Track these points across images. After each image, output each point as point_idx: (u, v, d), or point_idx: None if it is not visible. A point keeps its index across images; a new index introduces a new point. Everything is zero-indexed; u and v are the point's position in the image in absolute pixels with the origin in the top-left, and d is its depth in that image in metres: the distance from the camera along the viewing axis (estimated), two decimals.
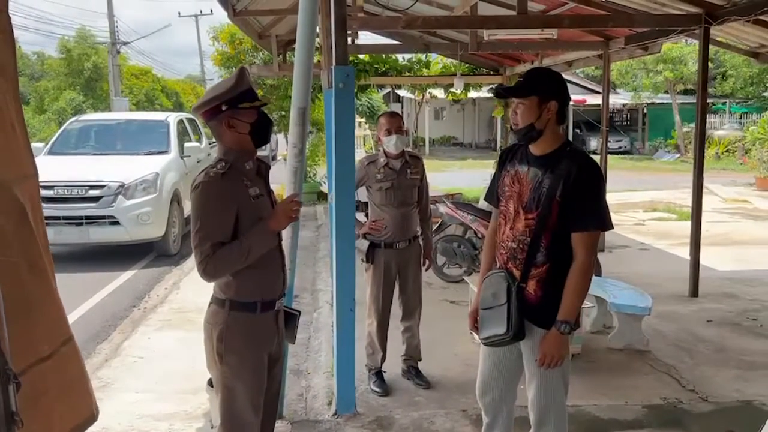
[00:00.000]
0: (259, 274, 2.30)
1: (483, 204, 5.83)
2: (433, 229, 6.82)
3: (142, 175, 7.70)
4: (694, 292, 5.87)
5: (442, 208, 6.71)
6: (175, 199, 8.11)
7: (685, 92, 23.73)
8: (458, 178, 15.25)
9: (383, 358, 3.96)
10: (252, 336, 2.26)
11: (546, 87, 2.38)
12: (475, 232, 6.38)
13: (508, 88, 2.52)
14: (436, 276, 6.43)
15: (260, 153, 2.45)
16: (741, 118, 24.88)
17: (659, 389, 3.89)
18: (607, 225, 2.39)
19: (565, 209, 2.31)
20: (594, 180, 2.35)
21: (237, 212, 2.23)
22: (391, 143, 3.79)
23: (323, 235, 8.57)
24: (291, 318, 2.55)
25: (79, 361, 1.67)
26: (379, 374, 3.95)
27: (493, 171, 2.81)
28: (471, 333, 4.69)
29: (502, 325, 2.38)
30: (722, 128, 23.53)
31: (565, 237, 2.34)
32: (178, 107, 29.79)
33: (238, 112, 2.27)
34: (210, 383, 2.79)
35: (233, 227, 2.23)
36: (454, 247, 6.39)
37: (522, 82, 2.41)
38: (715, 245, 7.75)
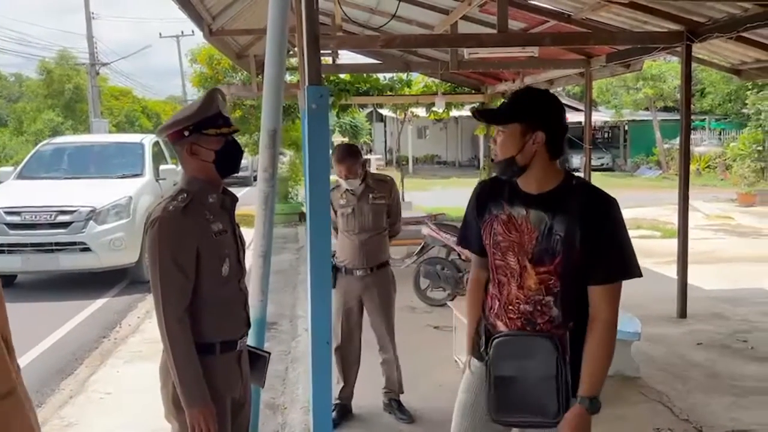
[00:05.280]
0: (218, 313, 2.11)
1: None
2: (416, 252, 6.72)
3: (114, 199, 7.48)
4: (683, 313, 5.75)
5: (425, 230, 6.55)
6: None
7: (665, 109, 23.99)
8: (442, 197, 15.14)
9: (348, 391, 3.81)
10: (212, 380, 2.06)
11: (532, 113, 1.94)
12: (459, 254, 6.23)
13: (487, 112, 2.14)
14: (419, 300, 6.27)
15: (242, 173, 2.26)
16: (720, 134, 25.18)
17: (652, 419, 3.72)
18: (634, 271, 1.94)
19: (587, 258, 1.88)
20: (617, 218, 1.93)
21: (197, 250, 2.05)
22: (342, 184, 3.70)
23: (304, 258, 8.36)
24: (260, 360, 2.35)
25: (24, 419, 1.45)
26: (338, 406, 3.75)
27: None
28: (456, 360, 4.53)
29: (551, 404, 1.90)
30: (702, 144, 23.77)
31: (585, 289, 1.94)
32: None
33: (202, 138, 2.08)
34: None
35: (195, 265, 2.05)
36: (438, 269, 6.23)
37: (505, 105, 2.03)
38: (700, 263, 7.67)
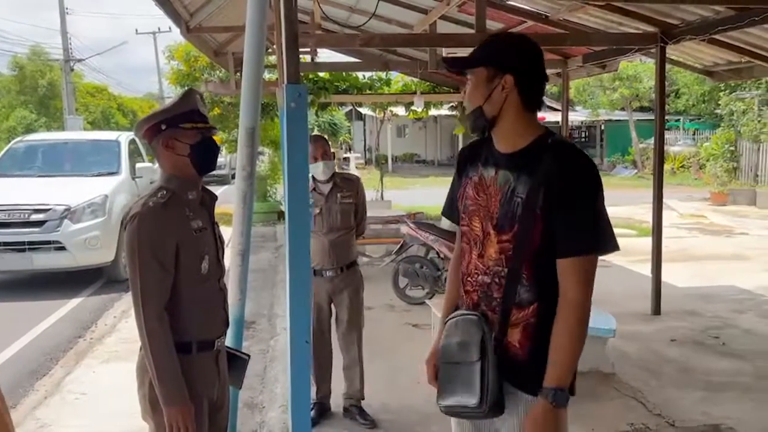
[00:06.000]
0: (196, 312, 2.10)
1: (445, 223, 5.72)
2: (395, 250, 6.74)
3: (90, 197, 7.38)
4: (657, 310, 5.85)
5: (404, 229, 6.58)
6: None
7: (641, 109, 24.32)
8: (421, 195, 15.19)
9: (325, 390, 3.80)
10: (188, 380, 2.05)
11: (499, 54, 1.72)
12: (437, 253, 6.26)
13: (454, 58, 1.91)
14: (398, 298, 6.29)
15: (220, 171, 2.26)
16: (694, 134, 25.61)
17: (625, 414, 3.79)
18: (607, 245, 1.69)
19: (550, 226, 1.66)
20: (587, 182, 1.67)
21: (177, 246, 2.04)
22: (318, 170, 3.64)
23: (283, 257, 8.33)
24: (239, 361, 2.35)
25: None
26: (317, 405, 3.75)
27: None
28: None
29: (473, 392, 1.69)
30: (677, 144, 24.14)
31: (554, 264, 1.71)
32: None
33: (178, 132, 2.09)
34: None
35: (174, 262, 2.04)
36: (416, 268, 6.26)
37: (473, 51, 1.79)
38: (674, 261, 7.80)
